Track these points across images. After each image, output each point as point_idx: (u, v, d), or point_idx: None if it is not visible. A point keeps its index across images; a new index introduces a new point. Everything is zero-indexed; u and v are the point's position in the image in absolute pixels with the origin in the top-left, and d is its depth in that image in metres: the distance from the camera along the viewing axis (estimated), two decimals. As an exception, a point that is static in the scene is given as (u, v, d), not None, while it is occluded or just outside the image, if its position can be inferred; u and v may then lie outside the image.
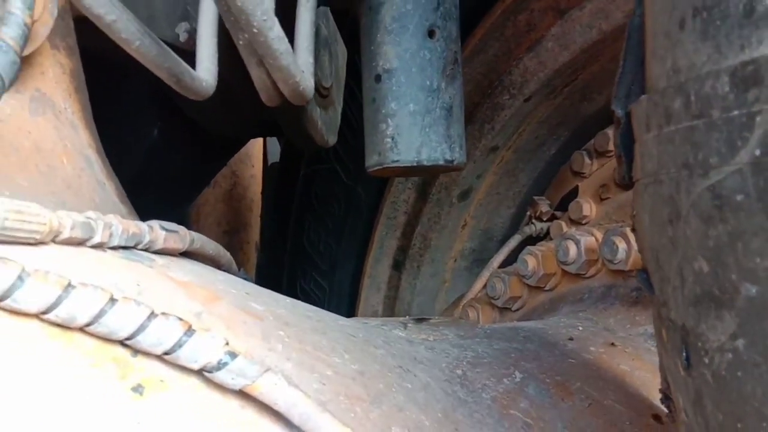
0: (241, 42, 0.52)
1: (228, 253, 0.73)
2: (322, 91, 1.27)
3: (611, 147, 1.29)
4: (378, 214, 1.66)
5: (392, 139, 0.81)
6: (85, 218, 0.49)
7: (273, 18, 0.50)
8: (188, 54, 0.92)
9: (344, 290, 1.84)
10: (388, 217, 1.66)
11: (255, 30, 0.48)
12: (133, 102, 1.45)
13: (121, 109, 1.52)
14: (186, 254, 0.64)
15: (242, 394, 0.45)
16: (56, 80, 0.70)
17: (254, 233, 2.64)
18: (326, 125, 1.37)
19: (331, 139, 1.40)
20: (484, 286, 1.20)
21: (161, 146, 1.56)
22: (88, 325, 0.39)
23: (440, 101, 0.81)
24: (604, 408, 0.70)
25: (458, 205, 1.58)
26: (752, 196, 0.27)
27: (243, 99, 1.24)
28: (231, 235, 2.67)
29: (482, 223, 1.63)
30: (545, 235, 1.41)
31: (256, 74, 0.56)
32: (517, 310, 1.15)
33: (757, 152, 0.27)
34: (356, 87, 1.53)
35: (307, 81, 0.60)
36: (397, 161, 0.81)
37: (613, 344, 0.83)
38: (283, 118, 1.26)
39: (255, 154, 2.60)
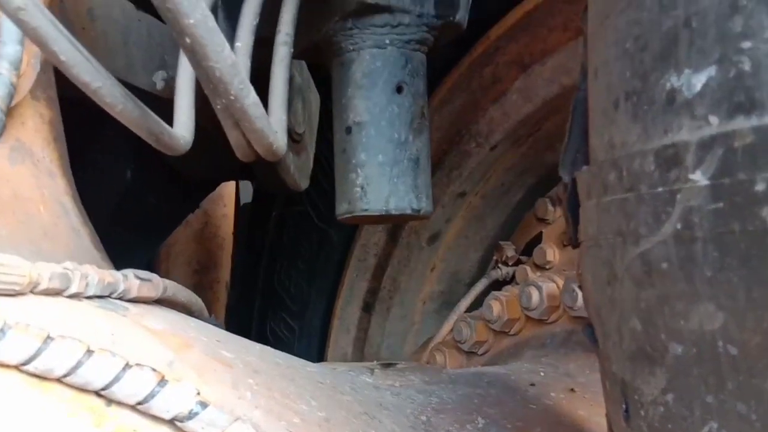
0: (218, 106, 0.55)
1: (200, 300, 0.75)
2: (295, 137, 1.30)
3: (574, 195, 1.33)
4: (349, 257, 1.68)
5: (362, 188, 0.84)
6: (63, 269, 0.51)
7: (249, 86, 0.53)
8: (164, 101, 0.95)
9: (314, 331, 1.84)
10: (358, 260, 1.69)
11: (232, 97, 0.51)
12: (108, 145, 1.47)
13: (97, 152, 1.54)
14: (159, 302, 0.66)
15: (212, 442, 0.46)
16: (36, 130, 0.72)
17: (225, 273, 2.63)
18: (299, 170, 1.40)
19: (304, 183, 1.43)
20: (451, 330, 1.22)
21: (135, 187, 1.57)
22: (65, 376, 0.41)
23: (408, 153, 0.85)
24: (563, 452, 0.73)
25: (427, 248, 1.62)
26: (675, 265, 0.31)
27: (218, 145, 1.27)
28: (201, 275, 2.66)
29: (451, 266, 1.66)
30: (511, 279, 1.45)
31: (232, 135, 0.59)
32: (483, 354, 1.17)
33: (678, 226, 0.31)
34: (329, 130, 1.58)
35: (280, 140, 0.63)
36: (366, 210, 0.84)
37: (572, 390, 0.86)
38: (257, 164, 1.29)
39: (227, 194, 2.61)
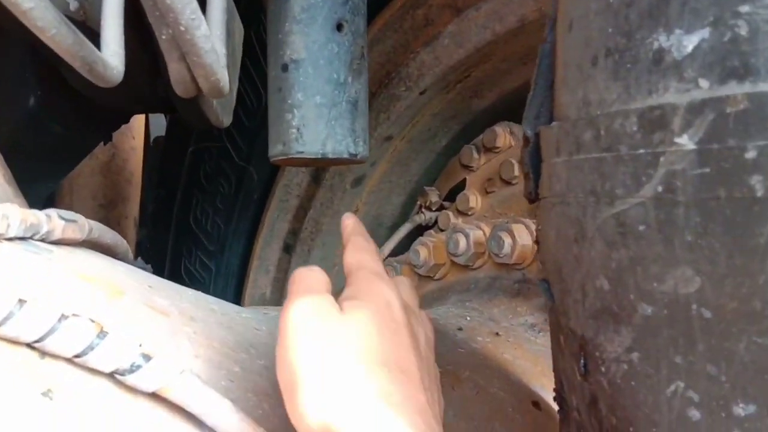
0: (164, 37, 0.50)
1: (125, 242, 0.71)
2: (218, 71, 1.23)
3: (499, 144, 1.35)
4: (270, 197, 1.65)
5: (297, 130, 0.81)
6: (-20, 208, 0.46)
7: (200, 16, 0.48)
8: (77, 25, 0.87)
9: (232, 271, 1.81)
10: (280, 200, 1.65)
11: (182, 28, 0.46)
12: (9, 67, 1.34)
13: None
14: (83, 244, 0.61)
15: (154, 396, 0.44)
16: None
17: (133, 208, 2.52)
18: (221, 106, 1.33)
19: (226, 120, 1.36)
20: (376, 274, 1.23)
21: (38, 115, 1.46)
22: (-8, 327, 0.37)
23: (346, 95, 0.82)
24: (490, 395, 0.75)
25: (351, 191, 1.60)
26: (653, 227, 0.31)
27: (137, 73, 1.18)
28: (107, 209, 2.54)
29: (373, 209, 1.66)
30: (434, 224, 1.47)
31: (175, 68, 0.55)
32: (407, 297, 1.19)
33: (660, 188, 0.31)
34: (253, 67, 1.51)
35: (225, 77, 0.59)
36: (302, 152, 0.82)
37: (497, 334, 0.89)
38: (178, 97, 1.22)
39: (136, 126, 2.48)
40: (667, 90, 0.30)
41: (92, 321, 0.41)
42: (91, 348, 0.40)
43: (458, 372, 0.76)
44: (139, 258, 0.70)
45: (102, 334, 0.41)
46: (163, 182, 1.89)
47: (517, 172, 1.30)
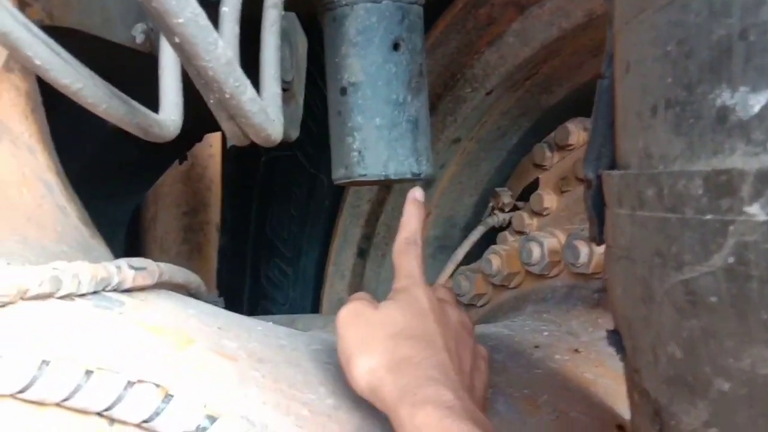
0: (211, 101, 0.50)
1: (197, 277, 0.73)
2: (283, 86, 1.25)
3: (572, 141, 1.30)
4: (341, 203, 1.66)
5: (359, 153, 0.81)
6: (53, 270, 0.48)
7: (245, 82, 0.48)
8: (145, 56, 0.89)
9: (309, 277, 1.83)
10: (351, 206, 1.66)
11: (227, 95, 0.47)
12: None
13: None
14: (156, 285, 0.63)
15: (221, 453, 0.45)
16: (11, 104, 0.67)
17: (215, 214, 2.60)
18: (288, 119, 1.35)
19: (294, 133, 1.37)
20: (450, 281, 1.22)
21: (116, 137, 1.52)
22: (64, 400, 0.38)
23: (406, 114, 0.81)
24: (571, 420, 0.73)
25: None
26: (725, 301, 0.28)
27: (202, 101, 1.21)
28: (190, 217, 2.64)
29: (445, 211, 1.64)
30: (507, 226, 1.43)
31: (226, 126, 0.55)
32: (483, 306, 1.17)
33: (731, 260, 0.28)
34: (318, 76, 1.52)
35: (278, 128, 0.59)
36: (365, 175, 0.81)
37: (577, 350, 0.85)
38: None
39: (214, 135, 2.55)
40: (733, 152, 0.28)
41: (157, 386, 0.42)
42: (157, 413, 0.41)
43: (535, 396, 0.74)
44: (212, 294, 0.72)
45: (167, 398, 0.42)
46: (239, 192, 1.94)
47: (591, 170, 1.25)
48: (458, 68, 1.34)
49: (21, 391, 0.37)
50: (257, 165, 1.80)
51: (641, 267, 0.34)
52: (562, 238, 1.02)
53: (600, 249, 0.95)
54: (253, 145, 1.93)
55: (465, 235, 1.51)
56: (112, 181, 1.72)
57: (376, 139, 0.80)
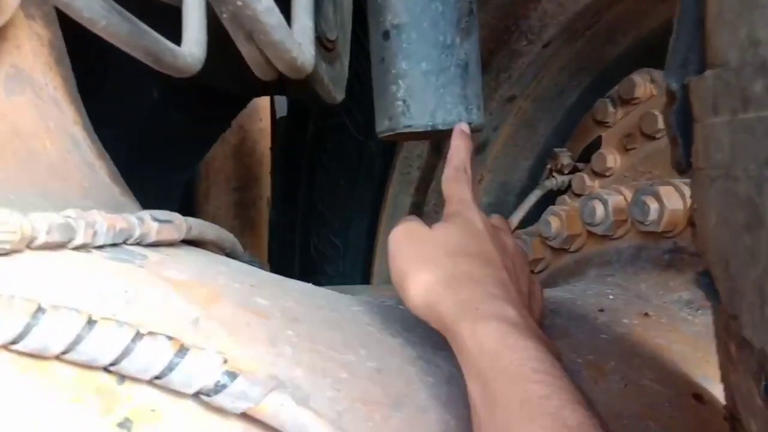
0: (225, 15, 0.45)
1: (231, 235, 0.68)
2: (327, 45, 1.19)
3: (638, 94, 1.20)
4: (391, 171, 1.60)
5: (404, 102, 0.74)
6: (64, 218, 0.44)
7: None
8: (172, 11, 0.85)
9: (359, 248, 1.79)
10: (401, 173, 1.60)
11: (239, 3, 0.41)
12: (130, 63, 1.38)
13: (119, 71, 1.45)
14: (187, 242, 0.59)
15: (245, 417, 0.40)
16: (34, 53, 0.63)
17: (266, 188, 2.59)
18: (333, 81, 1.29)
19: (339, 96, 1.32)
20: (505, 247, 1.14)
21: (163, 107, 1.50)
22: (63, 353, 0.34)
23: (455, 58, 0.74)
24: (641, 389, 0.66)
25: (474, 159, 1.51)
26: None
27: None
28: (242, 192, 2.63)
29: (499, 176, 1.56)
30: (566, 189, 1.35)
31: (246, 50, 0.50)
32: (540, 271, 1.10)
33: None
34: (365, 36, 1.45)
35: (305, 53, 0.53)
36: (410, 126, 0.75)
37: (646, 314, 0.78)
38: (287, 78, 1.19)
39: (263, 107, 2.53)
40: None
41: (170, 338, 0.37)
42: (170, 369, 0.36)
43: (601, 363, 0.67)
44: (247, 252, 0.68)
45: (182, 352, 0.37)
46: (288, 163, 1.91)
47: (661, 124, 1.15)
48: (513, 20, 1.25)
49: (14, 342, 0.33)
50: (305, 134, 1.76)
51: (746, 184, 0.27)
52: (628, 195, 0.93)
53: (673, 204, 0.87)
54: (301, 112, 1.87)
55: (520, 202, 1.43)
56: (161, 153, 1.70)
57: (423, 86, 0.73)
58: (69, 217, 0.44)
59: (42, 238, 0.41)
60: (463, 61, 0.75)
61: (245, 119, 2.52)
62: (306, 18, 0.54)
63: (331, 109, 1.67)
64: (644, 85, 1.21)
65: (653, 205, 0.86)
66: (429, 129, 0.75)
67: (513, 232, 1.29)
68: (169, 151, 1.73)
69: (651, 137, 1.19)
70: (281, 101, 2.60)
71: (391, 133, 0.77)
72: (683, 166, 0.34)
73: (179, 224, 0.55)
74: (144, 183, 0.83)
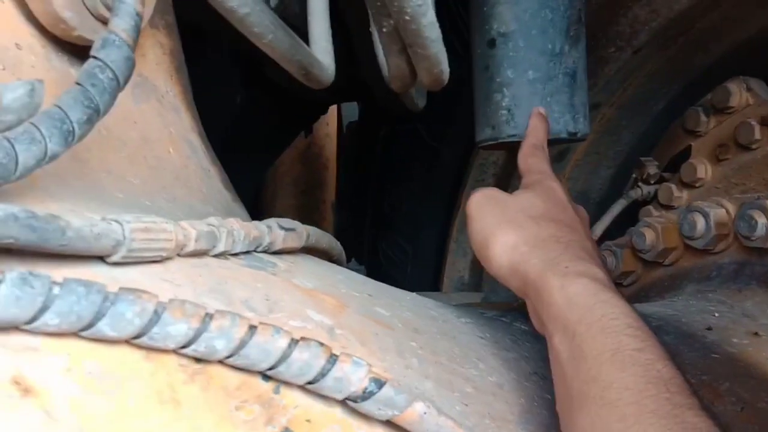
0: (384, 30, 0.45)
1: (339, 244, 0.69)
2: (412, 52, 1.19)
3: (733, 103, 1.16)
4: (465, 177, 1.59)
5: (508, 111, 0.74)
6: (208, 226, 0.45)
7: (428, 2, 0.43)
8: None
9: (428, 254, 1.78)
10: (476, 180, 1.59)
11: (407, 17, 0.41)
12: (215, 67, 1.41)
13: (204, 76, 1.48)
14: (302, 249, 0.60)
15: (389, 423, 0.40)
16: (157, 62, 0.65)
17: (330, 192, 2.62)
18: (416, 89, 1.30)
19: (421, 103, 1.32)
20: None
21: (245, 112, 1.53)
22: (228, 356, 0.35)
23: (563, 66, 0.73)
24: (759, 412, 0.63)
25: (553, 166, 1.49)
26: None
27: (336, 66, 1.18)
28: (307, 195, 2.66)
29: (579, 184, 1.53)
30: (652, 199, 1.31)
31: (394, 63, 0.50)
32: (630, 285, 1.07)
33: None
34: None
35: (446, 68, 0.53)
36: (515, 135, 0.74)
37: (756, 334, 0.75)
38: (373, 82, 1.19)
39: (330, 113, 2.55)
40: None
41: (321, 345, 0.37)
42: (322, 375, 0.37)
43: (715, 384, 0.65)
44: (352, 260, 0.68)
45: (332, 358, 0.37)
46: (358, 167, 1.92)
47: (758, 134, 1.11)
48: (600, 26, 1.23)
49: (185, 346, 0.33)
50: (376, 139, 1.76)
51: None
52: (730, 207, 0.90)
53: (783, 220, 0.83)
54: (372, 117, 1.88)
55: (600, 212, 1.40)
56: (239, 157, 1.74)
57: (529, 94, 0.73)
58: (212, 225, 0.45)
59: (191, 246, 0.42)
60: (572, 69, 0.74)
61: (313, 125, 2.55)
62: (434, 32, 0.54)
63: (403, 114, 1.67)
64: (740, 93, 1.17)
65: (761, 220, 0.83)
66: (535, 139, 0.74)
67: (598, 242, 1.27)
68: (248, 156, 1.77)
69: (746, 148, 1.14)
70: (349, 106, 2.63)
71: (494, 142, 0.77)
72: None
73: (301, 233, 0.56)
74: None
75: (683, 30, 1.19)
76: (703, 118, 1.21)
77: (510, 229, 0.55)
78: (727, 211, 0.90)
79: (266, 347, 0.36)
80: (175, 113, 0.66)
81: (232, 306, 0.40)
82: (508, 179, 1.54)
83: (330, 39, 0.48)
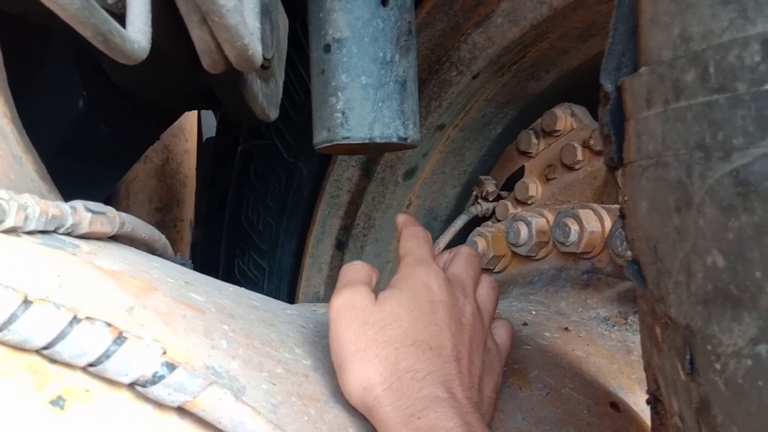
0: None
1: (163, 237, 0.67)
2: (263, 63, 1.19)
3: (559, 126, 1.27)
4: (320, 193, 1.60)
5: (343, 114, 0.76)
6: (-6, 198, 0.42)
7: None
8: (117, 18, 0.83)
9: (285, 270, 1.78)
10: (330, 196, 1.61)
11: None
12: (55, 68, 1.34)
13: (42, 77, 1.40)
14: (115, 238, 0.57)
15: (182, 410, 0.39)
16: (-38, 40, 0.61)
17: (188, 210, 2.53)
18: (267, 99, 1.30)
19: (273, 114, 1.33)
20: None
21: (87, 118, 1.45)
22: (-5, 331, 0.33)
23: (394, 74, 0.76)
24: (562, 396, 0.68)
25: (403, 184, 1.54)
26: (788, 184, 0.24)
27: (177, 66, 1.15)
28: (164, 213, 2.56)
29: (427, 202, 1.59)
30: (491, 216, 1.39)
31: (197, 35, 0.50)
32: (466, 292, 1.12)
33: (796, 133, 0.24)
34: (298, 59, 1.47)
35: (255, 45, 0.54)
36: (348, 138, 0.76)
37: (566, 329, 0.81)
38: (222, 90, 1.18)
39: (189, 128, 2.49)
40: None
41: (108, 325, 0.36)
42: (107, 356, 0.35)
43: (525, 371, 0.69)
44: (179, 254, 0.67)
45: (120, 339, 0.36)
46: (215, 183, 1.88)
47: (580, 156, 1.22)
48: (444, 51, 1.30)
49: (-57, 314, 0.31)
50: (234, 154, 1.75)
51: (676, 169, 0.29)
52: (551, 218, 0.98)
53: (591, 227, 0.92)
54: (230, 132, 1.85)
55: (446, 228, 1.47)
56: (83, 167, 1.64)
57: (362, 99, 0.75)
58: (1, 198, 0.42)
59: (-30, 216, 0.39)
60: (402, 78, 0.77)
61: (171, 140, 2.47)
62: (253, 17, 0.55)
63: (262, 130, 1.67)
64: (565, 118, 1.28)
65: (574, 227, 0.91)
66: (367, 141, 0.76)
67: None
68: (92, 165, 1.68)
69: (570, 168, 1.25)
70: (208, 124, 2.57)
71: (329, 144, 0.78)
72: (615, 162, 0.37)
73: (113, 217, 0.54)
74: (67, 197, 0.80)
75: (516, 58, 1.28)
76: (534, 140, 1.31)
77: (365, 361, 0.50)
78: (547, 221, 0.97)
79: (41, 323, 0.34)
80: (-17, 95, 0.61)
81: (12, 280, 0.38)
82: (361, 195, 1.58)
83: (147, 20, 0.48)
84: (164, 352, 0.39)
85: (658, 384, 0.36)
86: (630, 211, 0.35)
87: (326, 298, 1.72)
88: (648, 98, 0.32)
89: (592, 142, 1.19)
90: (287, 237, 1.72)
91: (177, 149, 2.51)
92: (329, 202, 1.61)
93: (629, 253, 0.84)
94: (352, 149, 0.81)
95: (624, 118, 0.35)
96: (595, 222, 0.89)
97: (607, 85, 0.37)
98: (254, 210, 1.75)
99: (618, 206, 0.92)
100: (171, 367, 0.38)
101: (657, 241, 0.32)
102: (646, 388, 0.42)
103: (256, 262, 1.82)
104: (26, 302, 0.35)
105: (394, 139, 0.77)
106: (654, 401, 0.38)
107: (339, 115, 0.76)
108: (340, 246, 1.67)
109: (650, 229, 0.32)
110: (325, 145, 0.79)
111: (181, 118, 2.17)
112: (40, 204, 0.45)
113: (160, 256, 0.66)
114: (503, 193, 1.41)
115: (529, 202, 1.30)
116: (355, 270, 0.59)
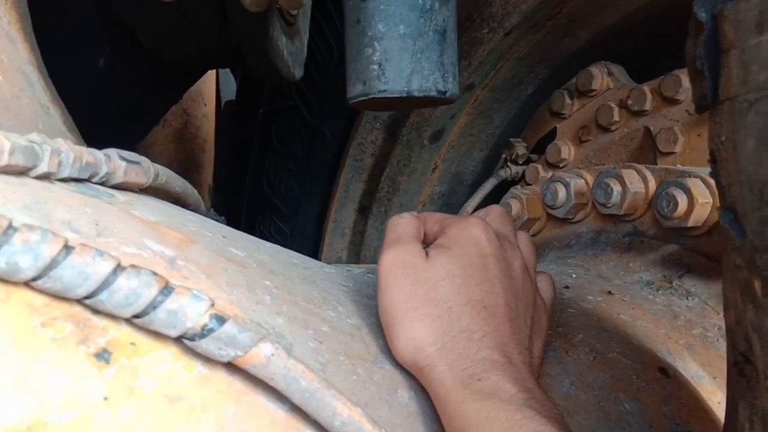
0: None
1: (196, 191, 0.64)
2: (288, 18, 1.16)
3: (595, 86, 1.22)
4: (344, 156, 1.57)
5: (379, 66, 0.72)
6: (28, 142, 0.39)
7: None
8: None
9: (307, 235, 1.75)
10: (354, 159, 1.58)
11: None
12: (76, 25, 1.30)
13: (63, 38, 1.37)
14: (148, 191, 0.55)
15: (230, 365, 0.37)
16: (-14, -16, 0.58)
17: (207, 175, 2.51)
18: (293, 56, 1.26)
19: (298, 72, 1.29)
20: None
21: (109, 76, 1.42)
22: (34, 279, 0.30)
23: (433, 24, 0.72)
24: (610, 361, 0.66)
25: (429, 147, 1.51)
26: None
27: (204, 22, 1.12)
28: (183, 177, 2.54)
29: (453, 166, 1.56)
30: (520, 179, 1.36)
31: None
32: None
33: None
34: (322, 17, 1.43)
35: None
36: (385, 91, 0.73)
37: (610, 293, 0.78)
38: (248, 46, 1.15)
39: (208, 92, 2.46)
40: None
41: (155, 274, 0.34)
42: (153, 307, 0.33)
43: (570, 335, 0.67)
44: (212, 210, 0.64)
45: (167, 290, 0.34)
46: (236, 146, 1.85)
47: (617, 116, 1.17)
48: (475, 7, 1.25)
49: (-21, 259, 0.29)
50: (254, 118, 1.71)
51: (797, 99, 0.26)
52: (590, 179, 0.94)
53: (635, 187, 0.88)
54: (251, 94, 1.82)
55: (473, 192, 1.43)
56: (101, 129, 1.62)
57: (400, 49, 0.72)
58: (34, 141, 0.40)
59: (4, 160, 0.37)
60: (441, 27, 0.73)
61: (189, 103, 2.44)
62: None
63: (283, 92, 1.63)
64: (602, 77, 1.23)
65: (616, 188, 0.87)
66: (405, 95, 0.73)
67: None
68: (112, 127, 1.65)
69: (606, 129, 1.21)
70: (227, 88, 2.54)
71: (364, 98, 0.75)
72: (708, 100, 0.34)
73: (147, 168, 0.51)
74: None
75: (551, 14, 1.23)
76: (568, 100, 1.27)
77: (416, 320, 0.48)
78: (586, 182, 0.93)
79: (84, 270, 0.32)
80: (9, 41, 0.59)
81: (50, 225, 0.35)
82: (386, 159, 1.54)
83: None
84: (212, 305, 0.37)
85: (750, 343, 0.33)
86: (728, 153, 0.32)
87: (348, 262, 1.70)
88: (759, 22, 0.28)
89: (630, 102, 1.15)
90: (309, 201, 1.70)
91: (196, 113, 2.48)
92: (353, 166, 1.58)
93: (676, 214, 0.80)
94: (388, 103, 0.77)
95: (721, 50, 0.32)
96: (638, 182, 0.86)
97: (701, 14, 0.33)
98: (276, 173, 1.73)
99: (662, 168, 0.88)
100: (221, 320, 0.36)
101: (765, 183, 0.29)
102: (698, 353, 0.39)
103: (277, 226, 1.80)
104: (67, 248, 0.32)
105: (433, 93, 0.74)
106: (743, 362, 0.35)
107: (375, 67, 0.73)
108: (364, 210, 1.64)
109: (756, 171, 0.29)
110: (361, 99, 0.76)
111: (200, 81, 2.14)
112: (74, 150, 0.43)
113: (193, 211, 0.64)
114: (533, 156, 1.37)
115: (561, 165, 1.26)
116: (405, 225, 0.56)
